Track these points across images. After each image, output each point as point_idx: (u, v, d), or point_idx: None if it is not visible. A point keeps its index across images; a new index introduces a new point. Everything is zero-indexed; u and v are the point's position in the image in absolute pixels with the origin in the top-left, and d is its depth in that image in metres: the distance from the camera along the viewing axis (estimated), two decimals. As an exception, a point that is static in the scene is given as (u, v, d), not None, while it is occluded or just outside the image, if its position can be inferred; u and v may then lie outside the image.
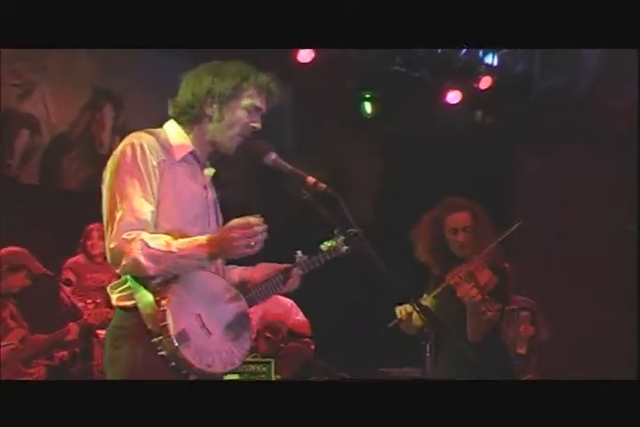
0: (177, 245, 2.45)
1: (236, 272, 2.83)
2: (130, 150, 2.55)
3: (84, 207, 6.75)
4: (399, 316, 3.86)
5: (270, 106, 2.74)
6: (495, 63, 7.59)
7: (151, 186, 2.53)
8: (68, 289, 5.56)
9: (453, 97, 7.52)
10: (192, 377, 2.47)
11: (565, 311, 6.33)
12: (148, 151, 2.55)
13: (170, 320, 2.42)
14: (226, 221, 2.62)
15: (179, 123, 2.71)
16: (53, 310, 5.46)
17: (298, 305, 5.47)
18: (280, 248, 2.78)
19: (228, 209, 2.85)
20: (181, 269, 2.49)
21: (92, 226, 6.09)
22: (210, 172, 2.77)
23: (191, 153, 2.68)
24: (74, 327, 5.05)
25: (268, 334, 5.17)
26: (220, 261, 2.71)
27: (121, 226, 2.48)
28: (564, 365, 6.02)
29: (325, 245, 2.96)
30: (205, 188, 2.72)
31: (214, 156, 2.76)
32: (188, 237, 2.51)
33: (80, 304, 5.34)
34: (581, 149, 7.17)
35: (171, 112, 2.73)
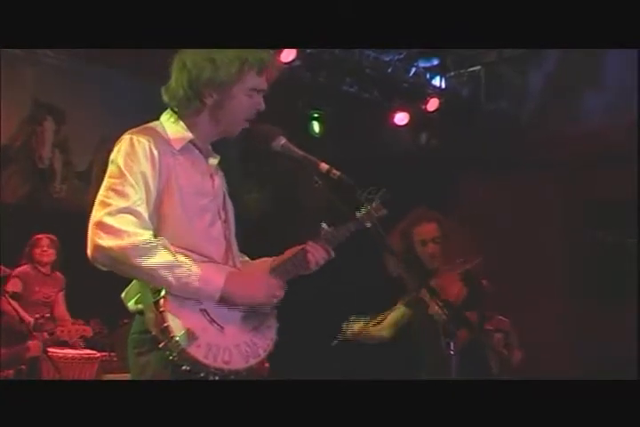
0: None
1: (268, 262, 2.69)
2: (127, 146, 2.43)
3: (21, 222, 6.65)
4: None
5: (271, 83, 2.63)
6: (443, 85, 7.63)
7: (143, 180, 2.40)
8: (15, 303, 5.41)
9: (401, 118, 7.53)
10: (213, 379, 2.31)
11: (537, 333, 6.32)
12: (147, 146, 2.43)
13: (170, 321, 2.28)
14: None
15: (177, 114, 2.59)
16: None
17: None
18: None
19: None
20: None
21: (35, 238, 5.96)
22: (215, 160, 2.67)
23: (190, 142, 2.57)
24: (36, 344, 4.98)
25: None
26: (232, 251, 2.59)
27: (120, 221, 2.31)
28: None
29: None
30: (211, 176, 2.61)
31: (219, 143, 2.66)
32: (194, 231, 2.41)
33: (28, 319, 5.25)
34: (525, 173, 7.22)
35: (167, 102, 2.60)
